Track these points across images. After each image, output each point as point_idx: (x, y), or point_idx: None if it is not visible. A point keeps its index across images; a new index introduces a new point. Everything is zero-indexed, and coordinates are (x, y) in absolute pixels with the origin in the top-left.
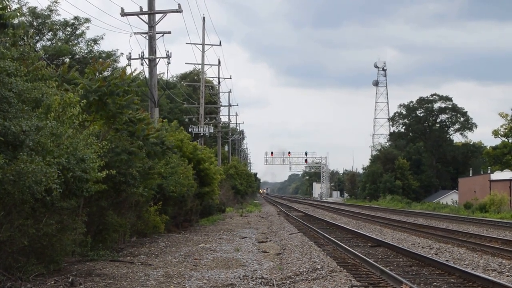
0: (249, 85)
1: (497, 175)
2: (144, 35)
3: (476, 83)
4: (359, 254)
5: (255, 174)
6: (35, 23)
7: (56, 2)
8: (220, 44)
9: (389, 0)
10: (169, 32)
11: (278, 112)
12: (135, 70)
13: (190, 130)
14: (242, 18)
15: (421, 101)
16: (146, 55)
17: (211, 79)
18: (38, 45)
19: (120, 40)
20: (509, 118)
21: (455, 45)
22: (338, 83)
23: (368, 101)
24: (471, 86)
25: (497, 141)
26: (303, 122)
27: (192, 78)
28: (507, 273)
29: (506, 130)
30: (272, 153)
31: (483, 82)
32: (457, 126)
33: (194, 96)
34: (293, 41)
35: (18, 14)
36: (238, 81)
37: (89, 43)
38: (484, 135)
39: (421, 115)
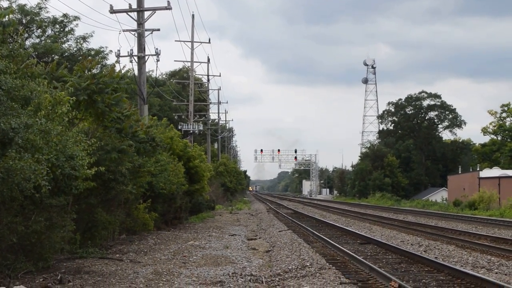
0: (242, 82)
1: (486, 173)
2: (133, 33)
3: (470, 80)
4: (348, 251)
5: (245, 172)
6: (24, 21)
7: (45, 0)
8: (209, 42)
9: None
10: (158, 30)
11: (269, 109)
12: (124, 67)
13: (179, 127)
14: (234, 14)
15: (410, 98)
16: (135, 52)
17: (200, 76)
18: (27, 42)
19: (109, 38)
20: (498, 115)
21: (449, 42)
22: (330, 80)
23: (359, 98)
24: (464, 83)
25: (486, 139)
26: (294, 119)
27: (182, 76)
28: (496, 270)
29: (495, 128)
30: (261, 150)
31: (476, 79)
32: (446, 123)
33: (184, 94)
34: (286, 37)
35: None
36: (231, 78)
37: (78, 40)
38: (474, 132)
39: (410, 112)
